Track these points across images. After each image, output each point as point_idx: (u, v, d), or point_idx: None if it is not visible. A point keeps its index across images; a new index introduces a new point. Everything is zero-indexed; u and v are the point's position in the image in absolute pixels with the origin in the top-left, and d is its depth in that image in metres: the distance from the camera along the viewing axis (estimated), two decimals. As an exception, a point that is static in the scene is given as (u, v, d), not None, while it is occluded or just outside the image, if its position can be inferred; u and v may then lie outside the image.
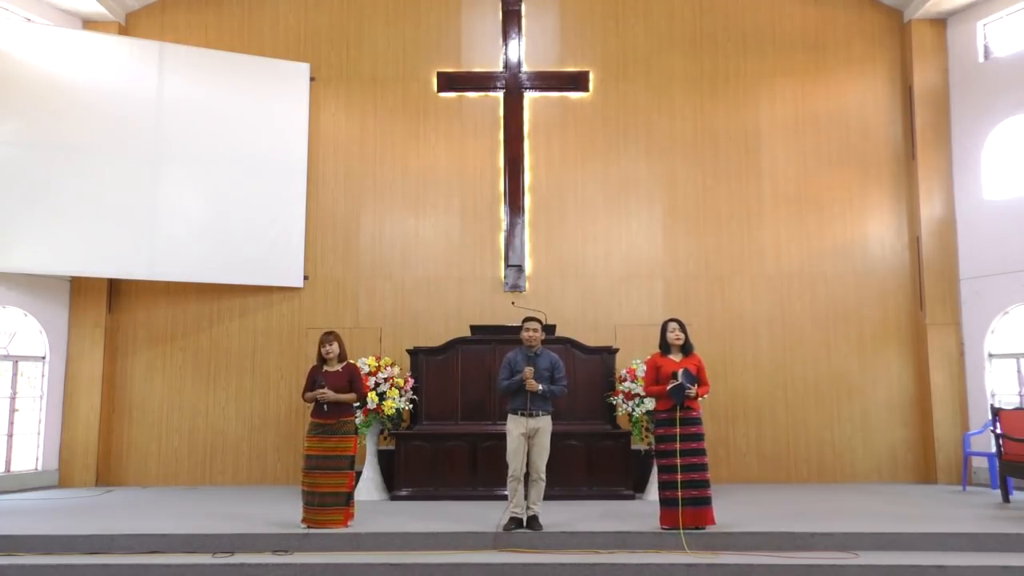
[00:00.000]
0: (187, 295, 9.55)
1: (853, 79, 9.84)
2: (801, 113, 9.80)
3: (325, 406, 6.16)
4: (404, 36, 9.94)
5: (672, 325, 6.18)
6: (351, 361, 6.56)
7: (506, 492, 6.38)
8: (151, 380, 9.46)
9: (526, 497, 6.19)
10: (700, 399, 6.10)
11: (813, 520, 6.43)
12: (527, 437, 6.21)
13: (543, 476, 6.22)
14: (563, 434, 7.77)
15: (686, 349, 6.16)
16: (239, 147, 9.37)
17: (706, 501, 5.92)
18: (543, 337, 6.49)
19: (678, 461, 5.88)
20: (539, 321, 6.50)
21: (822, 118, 9.79)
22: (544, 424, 6.23)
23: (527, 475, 6.22)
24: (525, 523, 6.09)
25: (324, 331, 6.51)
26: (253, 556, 5.62)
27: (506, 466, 6.25)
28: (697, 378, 6.04)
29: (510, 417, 6.28)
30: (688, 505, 5.85)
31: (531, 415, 6.20)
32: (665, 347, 6.20)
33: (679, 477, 5.87)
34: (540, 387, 6.19)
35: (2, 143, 8.49)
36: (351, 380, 6.32)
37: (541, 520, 6.10)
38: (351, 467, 6.23)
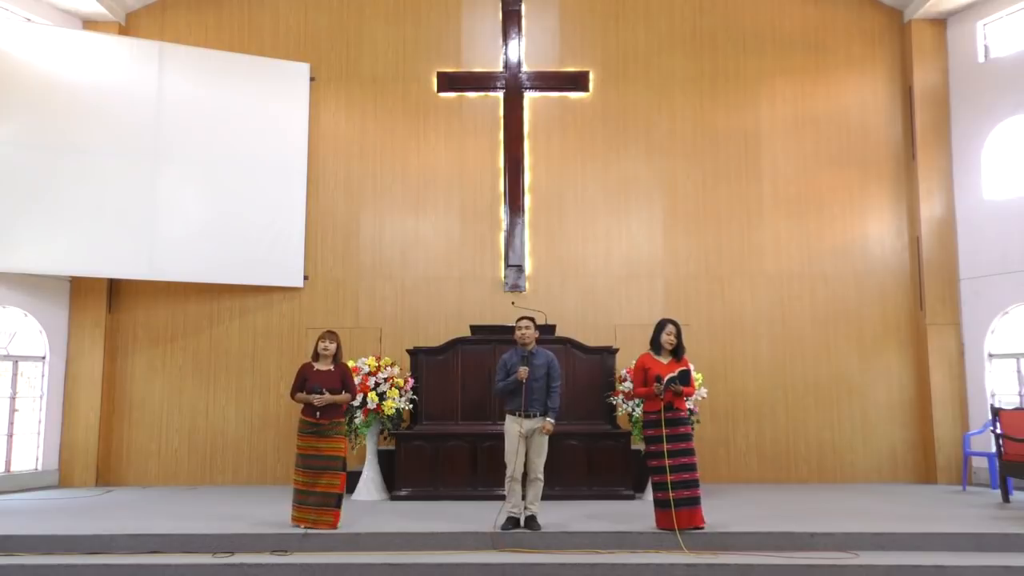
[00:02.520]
0: (187, 295, 9.54)
1: (853, 79, 9.84)
2: (801, 113, 9.80)
3: (318, 412, 6.16)
4: (404, 36, 9.94)
5: (669, 327, 6.14)
6: (344, 362, 6.55)
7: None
8: (151, 380, 9.46)
9: (523, 497, 6.19)
10: (687, 399, 6.11)
11: (813, 520, 6.43)
12: (525, 437, 6.21)
13: (541, 476, 6.21)
14: (563, 434, 7.78)
15: (677, 353, 6.13)
16: (239, 147, 9.37)
17: (696, 501, 5.91)
18: (537, 335, 6.47)
19: (667, 462, 5.89)
20: (532, 320, 6.49)
21: (822, 118, 9.79)
22: (541, 424, 6.22)
23: (524, 475, 6.22)
24: (523, 523, 6.09)
25: (326, 330, 6.54)
26: (253, 556, 5.62)
27: (506, 466, 6.26)
28: (688, 378, 6.06)
29: (508, 417, 6.29)
30: (681, 506, 5.84)
31: (528, 415, 6.20)
32: (656, 347, 6.18)
33: (669, 478, 5.87)
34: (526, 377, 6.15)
35: (2, 143, 8.48)
36: (343, 380, 6.32)
37: (539, 520, 6.09)
38: (344, 468, 6.23)
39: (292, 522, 6.13)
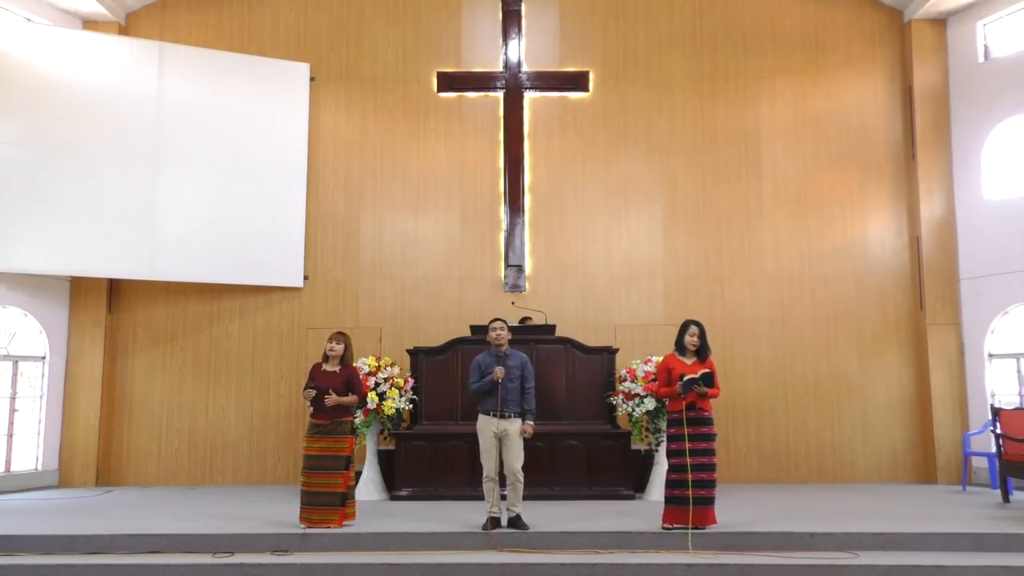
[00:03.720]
0: (187, 295, 9.54)
1: (853, 79, 9.84)
2: (801, 113, 9.80)
3: (311, 406, 6.17)
4: (404, 36, 9.94)
5: (692, 328, 6.13)
6: (352, 364, 6.54)
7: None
8: (151, 380, 9.46)
9: (504, 499, 6.19)
10: (711, 400, 6.09)
11: (813, 520, 6.43)
12: (499, 438, 6.21)
13: (520, 478, 6.19)
14: (563, 434, 7.81)
15: (702, 354, 6.12)
16: (239, 147, 9.37)
17: (710, 501, 5.93)
18: (510, 336, 6.49)
19: (688, 461, 5.89)
20: (505, 321, 6.50)
21: (822, 118, 9.79)
22: (515, 426, 6.21)
23: (503, 477, 6.22)
24: (507, 524, 6.09)
25: (336, 331, 6.54)
26: (253, 556, 5.62)
27: (483, 467, 6.26)
28: (712, 380, 6.05)
29: (480, 417, 6.28)
30: (693, 504, 5.85)
31: (502, 416, 6.19)
32: (681, 348, 6.19)
33: (688, 477, 5.87)
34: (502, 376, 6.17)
35: (2, 143, 8.48)
36: (348, 382, 6.30)
37: (524, 519, 6.08)
38: (346, 467, 6.21)
39: (299, 522, 6.12)
